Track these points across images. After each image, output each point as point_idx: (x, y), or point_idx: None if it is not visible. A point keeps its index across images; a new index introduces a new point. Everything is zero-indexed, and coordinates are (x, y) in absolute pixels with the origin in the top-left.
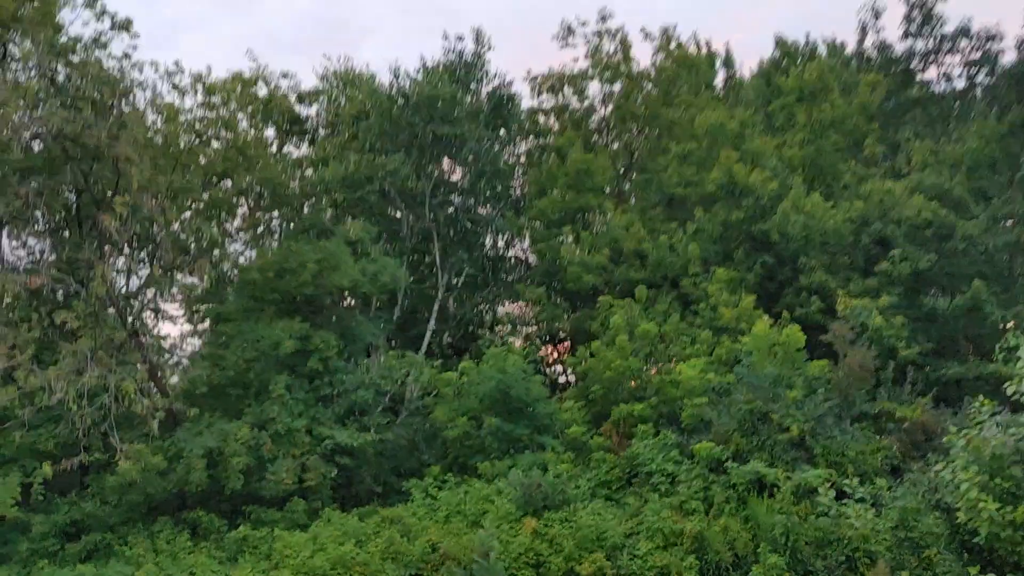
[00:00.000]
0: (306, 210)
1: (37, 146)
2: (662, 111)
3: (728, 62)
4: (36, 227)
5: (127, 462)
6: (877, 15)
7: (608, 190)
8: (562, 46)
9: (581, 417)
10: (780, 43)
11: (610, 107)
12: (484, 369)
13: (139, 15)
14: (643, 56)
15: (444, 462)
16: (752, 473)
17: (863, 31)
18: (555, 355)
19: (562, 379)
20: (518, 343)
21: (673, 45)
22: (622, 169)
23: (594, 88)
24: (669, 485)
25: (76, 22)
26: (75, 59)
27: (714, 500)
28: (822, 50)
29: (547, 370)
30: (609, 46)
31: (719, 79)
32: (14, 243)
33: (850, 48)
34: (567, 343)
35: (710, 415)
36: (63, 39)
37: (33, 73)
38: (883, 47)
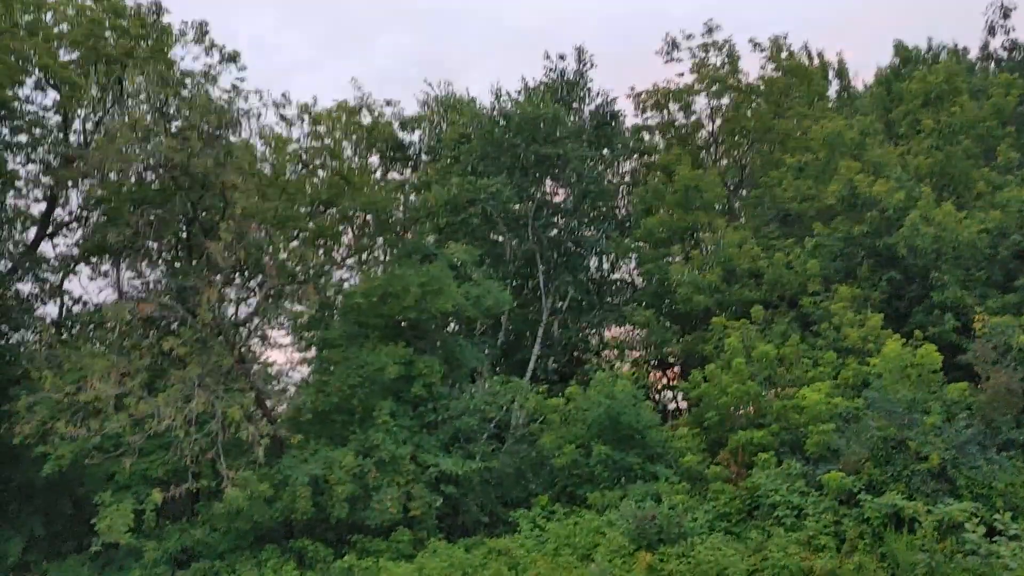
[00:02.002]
0: (409, 235)
1: (149, 177)
2: (774, 123)
3: (842, 72)
4: (150, 256)
5: (234, 489)
6: (1006, 14)
7: (718, 207)
8: (666, 61)
9: (696, 445)
10: (899, 48)
11: (718, 121)
12: (591, 395)
13: (253, 61)
14: (752, 68)
15: (552, 491)
16: (888, 506)
17: (991, 31)
18: (665, 380)
19: (673, 405)
20: (626, 368)
21: (784, 55)
22: (733, 185)
23: (701, 103)
24: (795, 519)
25: (187, 57)
26: (185, 92)
27: (846, 535)
28: (943, 56)
29: (657, 396)
30: (716, 59)
31: (832, 90)
32: (130, 273)
33: (973, 53)
34: (677, 368)
35: (838, 443)
36: (175, 74)
37: (145, 107)
38: (1014, 47)
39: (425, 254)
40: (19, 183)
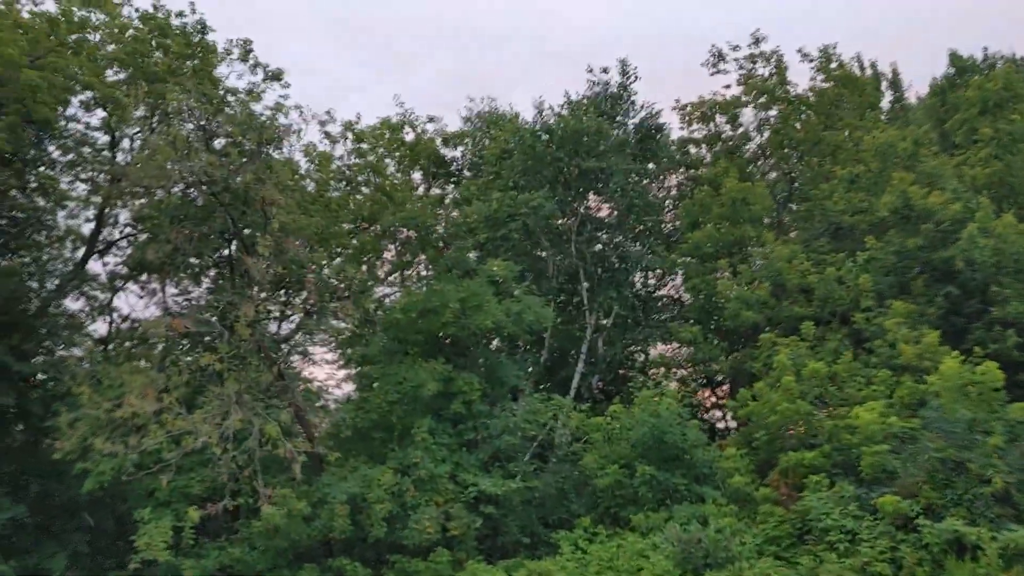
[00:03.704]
0: (450, 251)
1: (191, 194)
2: (824, 135)
3: (895, 83)
4: (190, 272)
5: (270, 507)
6: None
7: (767, 221)
8: (712, 73)
9: (744, 466)
10: (954, 58)
11: (766, 133)
12: (636, 413)
13: (302, 84)
14: (800, 79)
15: (595, 513)
16: (949, 532)
17: None
18: (713, 399)
19: (721, 425)
20: (672, 386)
21: (834, 65)
22: (781, 198)
23: (748, 114)
24: (848, 544)
25: (232, 75)
26: (228, 110)
27: (904, 563)
28: (999, 65)
29: (704, 415)
30: (763, 70)
31: (886, 101)
32: (174, 290)
33: None
34: (726, 386)
35: (894, 464)
36: (219, 92)
37: (189, 124)
38: None
39: (465, 270)
40: (69, 202)
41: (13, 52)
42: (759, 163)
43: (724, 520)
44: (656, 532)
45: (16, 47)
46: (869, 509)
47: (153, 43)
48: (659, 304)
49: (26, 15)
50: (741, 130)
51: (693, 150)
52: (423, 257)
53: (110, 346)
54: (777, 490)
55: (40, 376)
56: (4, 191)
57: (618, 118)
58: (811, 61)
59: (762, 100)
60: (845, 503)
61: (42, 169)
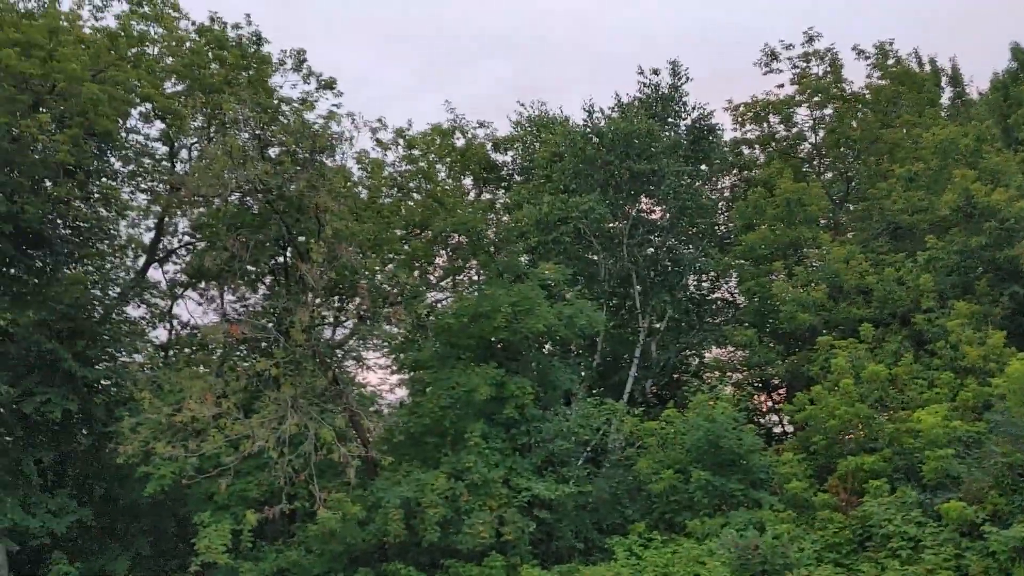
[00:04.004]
0: (501, 255)
1: (247, 202)
2: (881, 133)
3: (955, 79)
4: (247, 278)
5: (326, 511)
6: None
7: (823, 221)
8: (765, 72)
9: (802, 471)
10: (1016, 52)
11: (821, 132)
12: (690, 418)
13: (354, 93)
14: (856, 76)
15: (649, 518)
16: (1017, 539)
17: None
18: (769, 403)
19: (778, 429)
20: (727, 390)
21: (891, 62)
22: (838, 198)
23: (802, 114)
24: (911, 551)
25: (285, 85)
26: (282, 119)
27: (969, 570)
28: None
29: (761, 419)
30: (817, 68)
31: (945, 97)
32: (232, 296)
33: None
34: (782, 390)
35: (958, 469)
36: (273, 101)
37: (245, 134)
38: None
39: (517, 274)
40: (130, 212)
41: (76, 67)
42: (814, 163)
43: (782, 526)
44: (712, 538)
45: (79, 62)
46: (933, 515)
47: (210, 55)
48: (713, 307)
49: (87, 31)
50: (795, 130)
51: (746, 151)
52: (474, 262)
53: (170, 352)
54: (836, 496)
55: (103, 382)
56: (68, 202)
57: (669, 120)
58: (867, 58)
59: (817, 99)
60: (907, 509)
61: (104, 180)
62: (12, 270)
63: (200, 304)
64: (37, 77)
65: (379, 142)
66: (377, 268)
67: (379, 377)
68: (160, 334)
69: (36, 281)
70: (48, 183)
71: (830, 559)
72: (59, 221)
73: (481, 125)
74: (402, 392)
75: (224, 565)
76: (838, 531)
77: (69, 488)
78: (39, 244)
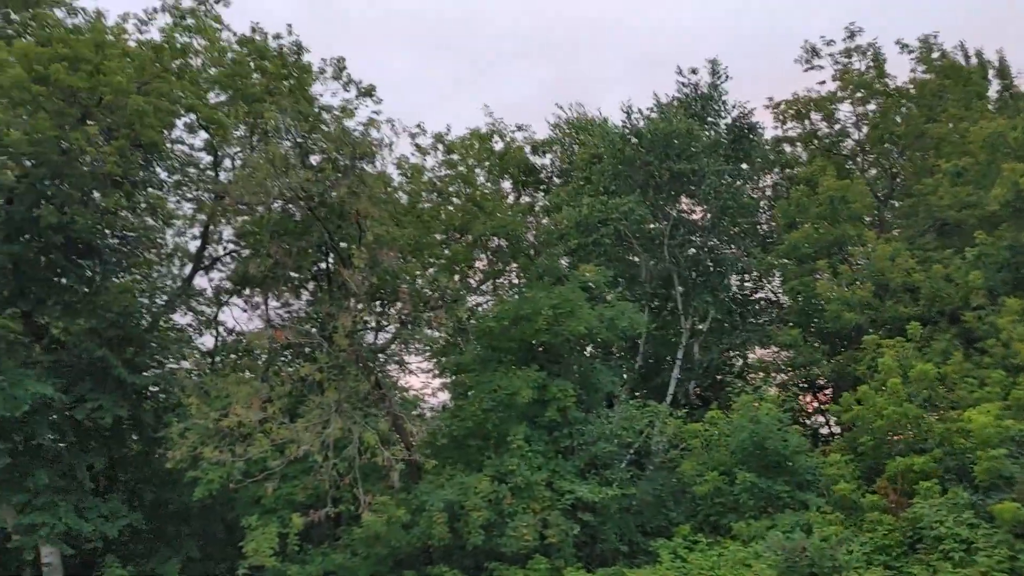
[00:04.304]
0: (542, 258)
1: (290, 209)
2: (927, 128)
3: (1003, 72)
4: (291, 285)
5: (371, 514)
6: None
7: (867, 219)
8: (806, 69)
9: (849, 472)
10: None
11: (864, 129)
12: (734, 419)
13: (393, 99)
14: (899, 71)
15: (694, 521)
16: None
17: None
18: (815, 403)
19: (824, 430)
20: (772, 391)
21: (935, 56)
22: (882, 195)
23: (845, 110)
24: (964, 553)
25: (326, 93)
26: (323, 127)
27: None
28: None
29: (807, 420)
30: (859, 64)
31: (993, 90)
32: (276, 303)
33: None
34: (828, 390)
35: (1011, 469)
36: (314, 109)
37: (287, 143)
38: None
39: (557, 276)
40: (176, 221)
41: (122, 80)
42: (858, 160)
43: (829, 528)
44: (758, 540)
45: (124, 75)
46: (985, 516)
47: (251, 65)
48: (757, 307)
49: (132, 44)
50: (838, 126)
51: (788, 149)
52: (514, 265)
53: (216, 358)
54: (885, 497)
55: (152, 388)
56: (116, 212)
57: (709, 119)
58: (910, 52)
59: (859, 95)
60: (959, 510)
61: (151, 190)
62: (63, 280)
63: (245, 311)
64: (85, 90)
65: (418, 147)
66: (418, 272)
67: (421, 381)
68: (206, 341)
69: (86, 290)
70: (97, 194)
71: (880, 562)
72: (108, 231)
73: (519, 128)
74: (444, 396)
75: (271, 568)
76: (888, 533)
77: (120, 493)
78: (89, 254)
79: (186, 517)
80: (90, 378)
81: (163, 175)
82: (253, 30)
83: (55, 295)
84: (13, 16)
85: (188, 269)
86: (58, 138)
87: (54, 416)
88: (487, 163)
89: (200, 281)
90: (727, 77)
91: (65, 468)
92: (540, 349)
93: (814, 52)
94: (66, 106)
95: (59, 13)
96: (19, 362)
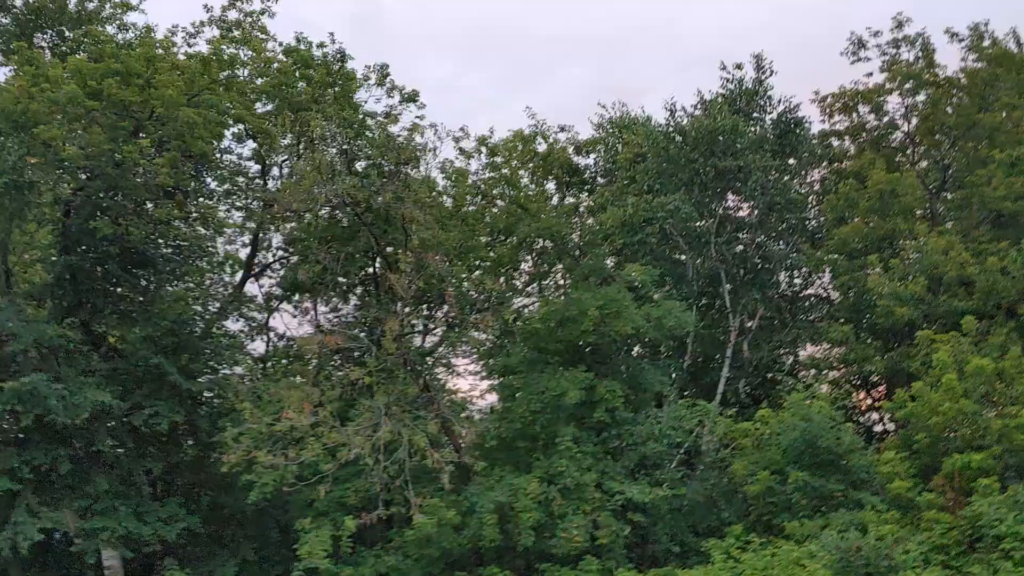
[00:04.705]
0: (587, 258)
1: (337, 215)
2: (979, 117)
3: None
4: (339, 290)
5: (421, 516)
6: None
7: (919, 212)
8: (852, 61)
9: (905, 470)
10: None
11: (914, 120)
12: (785, 418)
13: (436, 104)
14: (949, 61)
15: (746, 521)
16: None
17: None
18: (868, 401)
19: (879, 428)
20: (824, 388)
21: (987, 43)
22: (934, 187)
23: (893, 102)
24: None
25: (370, 99)
26: (368, 133)
27: None
28: None
29: (860, 418)
30: (908, 54)
31: None
32: (325, 308)
33: None
34: (882, 387)
35: None
36: (358, 116)
37: (333, 150)
38: None
39: (603, 277)
40: (227, 229)
41: (172, 93)
42: (907, 152)
43: (885, 527)
44: (812, 540)
45: (175, 88)
46: None
47: (297, 74)
48: (807, 304)
49: (182, 57)
50: (886, 119)
51: (836, 143)
52: (560, 266)
53: (268, 364)
54: (942, 495)
55: (206, 394)
56: (169, 222)
57: (754, 114)
58: (960, 41)
59: (908, 86)
60: (1020, 508)
61: (202, 200)
62: (119, 289)
63: (295, 316)
64: (137, 104)
65: (462, 151)
66: (464, 275)
67: (469, 383)
68: (258, 346)
69: (141, 299)
70: (150, 205)
71: (937, 561)
72: (161, 241)
73: (562, 129)
74: (492, 398)
75: (325, 570)
76: (945, 532)
77: (178, 497)
78: (143, 264)
79: (242, 520)
80: (146, 385)
81: (213, 185)
82: (297, 40)
83: (111, 304)
84: (67, 34)
85: (239, 276)
86: (112, 151)
87: (112, 423)
88: (531, 165)
89: (251, 288)
90: (772, 72)
91: (124, 473)
92: (587, 350)
93: (860, 44)
94: (119, 120)
95: (111, 29)
96: (79, 370)
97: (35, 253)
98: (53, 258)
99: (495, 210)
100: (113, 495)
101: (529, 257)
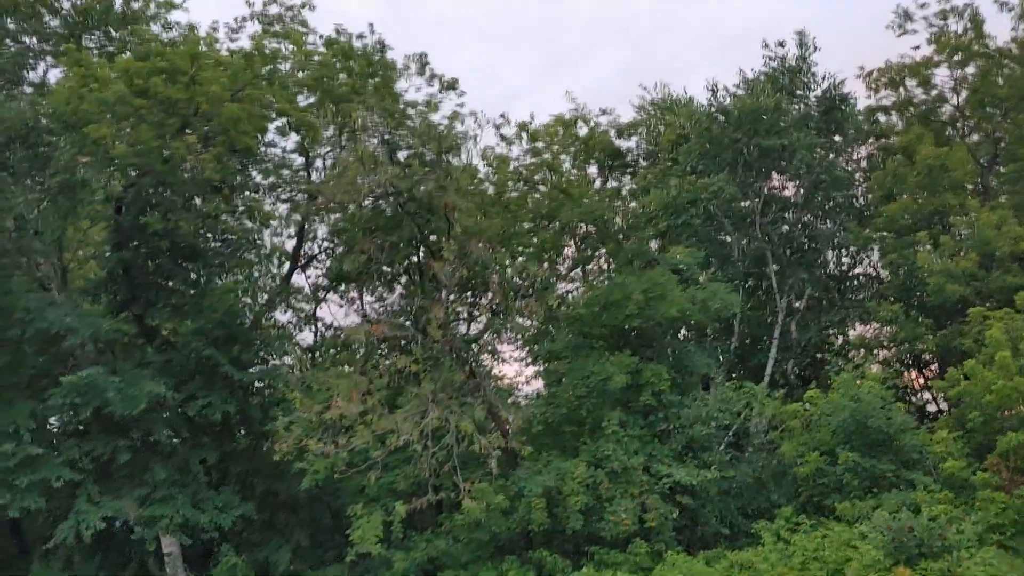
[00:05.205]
0: (630, 242)
1: (380, 205)
2: None
3: None
4: (384, 279)
5: (470, 501)
6: None
7: (970, 187)
8: (899, 34)
9: (958, 449)
10: None
11: (963, 93)
12: (834, 398)
13: (475, 92)
14: (999, 31)
15: (796, 502)
16: None
17: None
18: (920, 380)
19: (931, 407)
20: (874, 368)
21: None
22: (985, 161)
23: (941, 75)
24: None
25: (410, 89)
26: (409, 123)
27: None
28: None
29: (912, 397)
30: (956, 26)
31: None
32: (371, 297)
33: None
34: (934, 365)
35: None
36: (399, 106)
37: (375, 141)
38: None
39: (647, 260)
40: (273, 222)
41: (216, 89)
42: (957, 125)
43: (938, 507)
44: (864, 521)
45: (219, 84)
46: None
47: (337, 66)
48: (855, 283)
49: (225, 52)
50: (935, 92)
51: (882, 118)
52: (603, 250)
53: (316, 353)
54: (998, 474)
55: (257, 384)
56: (217, 216)
57: (798, 92)
58: (1010, 10)
59: (957, 58)
60: None
61: (248, 193)
62: (171, 283)
63: (342, 306)
64: (183, 101)
65: (503, 137)
66: (507, 262)
67: (515, 369)
68: (306, 336)
69: (192, 292)
70: (198, 200)
71: (993, 541)
72: (209, 235)
73: (604, 112)
74: (538, 383)
75: (377, 555)
76: (1001, 512)
77: (233, 485)
78: (193, 257)
79: (295, 507)
80: (199, 376)
81: (258, 178)
82: (337, 32)
83: (164, 298)
84: (114, 34)
85: (286, 268)
86: (160, 148)
87: (168, 413)
88: (572, 149)
89: (298, 279)
90: (815, 48)
91: (180, 462)
92: (632, 334)
93: (907, 16)
94: (166, 117)
95: (155, 28)
96: (134, 363)
97: (89, 250)
98: (107, 254)
99: (537, 196)
100: (170, 484)
101: (572, 242)
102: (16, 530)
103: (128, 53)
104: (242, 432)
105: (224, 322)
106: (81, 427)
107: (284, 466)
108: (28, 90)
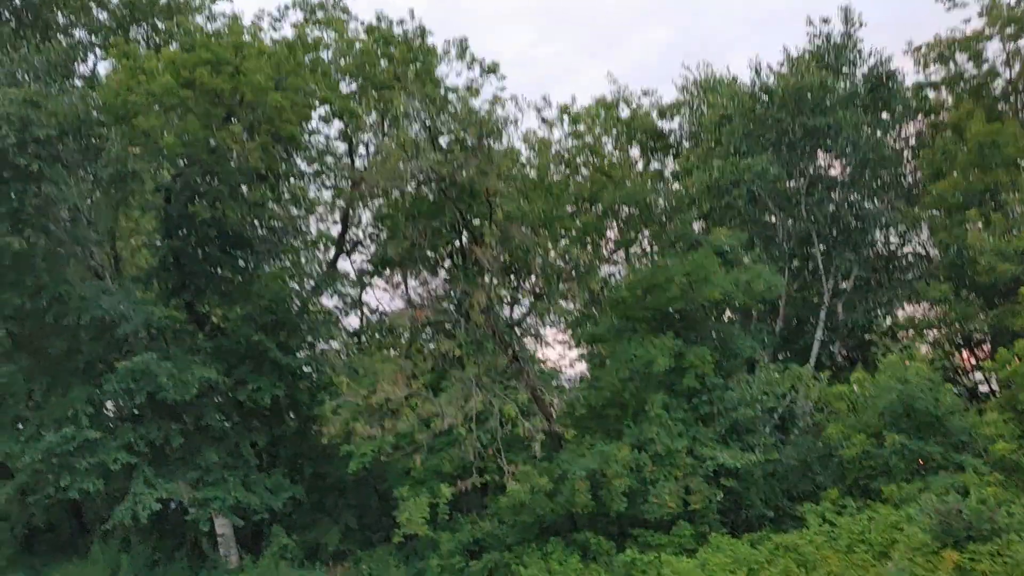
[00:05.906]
0: (673, 224)
1: (423, 191)
2: None
3: None
4: (427, 264)
5: (515, 483)
6: None
7: (1022, 163)
8: (948, 8)
9: (1009, 431)
10: None
11: (1017, 67)
12: (880, 380)
13: (515, 75)
14: None
15: (842, 485)
16: None
17: None
18: (972, 360)
19: (983, 388)
20: (924, 349)
21: None
22: None
23: (993, 48)
24: None
25: (451, 73)
26: (450, 108)
27: None
28: None
29: (963, 379)
30: None
31: None
32: (415, 282)
33: None
34: (986, 346)
35: None
36: (440, 91)
37: (416, 127)
38: None
39: (690, 242)
40: (319, 208)
41: (260, 79)
42: (1010, 100)
43: (988, 490)
44: (910, 503)
45: (263, 74)
46: None
47: (378, 52)
48: (904, 263)
49: (268, 42)
50: (986, 67)
51: (931, 95)
52: (646, 232)
53: (362, 338)
54: None
55: (305, 369)
56: (263, 204)
57: (844, 69)
58: None
59: (1010, 31)
60: None
61: (293, 181)
62: (219, 270)
63: (386, 291)
64: (228, 91)
65: (544, 121)
66: (549, 246)
67: (558, 352)
68: (352, 322)
69: (240, 279)
70: (244, 188)
71: None
72: (256, 222)
73: (645, 94)
74: (581, 366)
75: (424, 536)
76: None
77: (282, 468)
78: (241, 245)
79: (343, 489)
80: (249, 361)
81: (303, 166)
82: (378, 18)
83: (213, 285)
84: (160, 26)
85: (331, 254)
86: (206, 138)
87: (219, 398)
88: (614, 131)
89: (343, 264)
90: (861, 24)
91: (231, 446)
92: (675, 316)
93: None
94: (212, 107)
95: (199, 19)
96: (185, 349)
97: (141, 239)
98: (157, 243)
99: (579, 179)
100: (222, 467)
101: (615, 225)
102: (77, 511)
103: (174, 44)
104: (291, 416)
105: (272, 308)
106: (136, 412)
107: (332, 449)
108: (79, 83)
